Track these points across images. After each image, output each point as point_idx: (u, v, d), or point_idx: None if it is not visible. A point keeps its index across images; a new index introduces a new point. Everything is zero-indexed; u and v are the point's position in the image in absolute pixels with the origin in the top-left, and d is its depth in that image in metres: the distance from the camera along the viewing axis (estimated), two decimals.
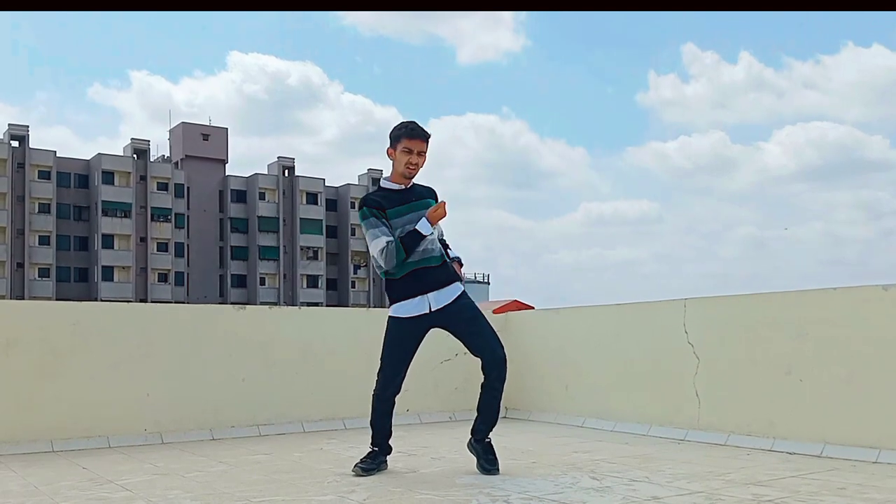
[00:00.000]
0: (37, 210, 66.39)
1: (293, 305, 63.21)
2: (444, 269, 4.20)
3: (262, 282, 75.77)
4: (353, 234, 77.29)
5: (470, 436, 4.34)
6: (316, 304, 71.66)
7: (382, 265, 4.07)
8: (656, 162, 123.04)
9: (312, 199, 77.08)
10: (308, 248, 76.77)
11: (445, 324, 4.22)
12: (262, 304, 67.48)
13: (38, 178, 66.18)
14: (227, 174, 76.39)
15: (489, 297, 76.86)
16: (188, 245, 73.16)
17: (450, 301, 4.18)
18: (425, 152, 4.14)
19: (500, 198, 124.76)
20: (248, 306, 6.14)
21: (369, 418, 4.31)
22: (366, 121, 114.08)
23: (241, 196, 76.31)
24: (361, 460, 4.19)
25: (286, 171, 77.14)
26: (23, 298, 59.35)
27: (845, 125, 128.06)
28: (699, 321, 5.43)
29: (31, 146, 65.99)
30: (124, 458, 4.78)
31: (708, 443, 5.10)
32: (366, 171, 78.25)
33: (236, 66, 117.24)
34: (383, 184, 4.22)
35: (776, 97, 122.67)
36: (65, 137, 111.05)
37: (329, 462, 4.44)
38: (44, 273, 66.51)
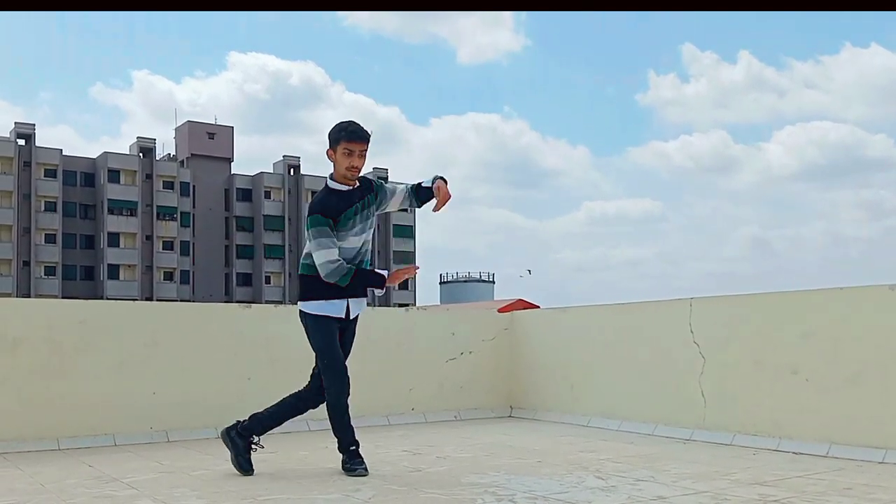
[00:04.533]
0: (43, 208, 66.52)
1: None
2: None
3: (268, 280, 75.85)
4: None
5: (239, 426, 4.26)
6: None
7: (323, 274, 4.09)
8: (658, 161, 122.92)
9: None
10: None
11: (342, 332, 4.29)
12: (267, 302, 67.60)
13: (45, 176, 66.30)
14: (232, 173, 76.49)
15: (494, 296, 76.84)
16: (194, 243, 73.23)
17: (359, 312, 4.32)
18: (366, 152, 4.17)
19: (503, 197, 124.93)
20: (253, 305, 6.15)
21: (339, 422, 4.14)
22: (367, 120, 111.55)
23: (246, 195, 76.36)
24: (354, 461, 4.11)
25: (291, 170, 77.22)
26: (29, 297, 59.55)
27: (847, 124, 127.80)
28: (705, 321, 5.42)
29: (37, 145, 66.14)
30: (130, 457, 4.78)
31: (713, 442, 5.09)
32: (371, 170, 78.35)
33: (236, 66, 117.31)
34: (331, 185, 4.21)
35: (777, 97, 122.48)
36: (68, 137, 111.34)
37: (334, 461, 4.43)
38: (50, 271, 66.65)
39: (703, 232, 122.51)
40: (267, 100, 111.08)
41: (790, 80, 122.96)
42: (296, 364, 6.09)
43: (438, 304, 70.38)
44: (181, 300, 65.10)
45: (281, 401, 4.33)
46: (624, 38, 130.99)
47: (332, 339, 4.20)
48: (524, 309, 8.59)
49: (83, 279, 68.01)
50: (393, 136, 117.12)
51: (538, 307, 12.55)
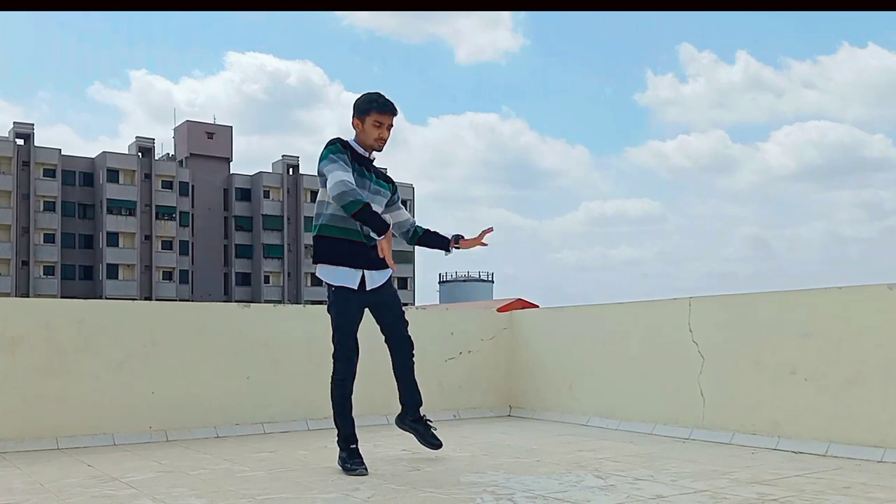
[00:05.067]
0: (42, 208, 66.52)
1: (297, 303, 63.28)
2: (375, 252, 4.14)
3: (267, 280, 75.85)
4: None
5: (404, 415, 4.48)
6: (320, 303, 71.55)
7: (334, 196, 3.96)
8: (657, 161, 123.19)
9: (316, 197, 77.08)
10: (312, 246, 76.81)
11: (375, 305, 4.25)
12: (266, 302, 67.57)
13: (44, 175, 66.31)
14: (231, 172, 76.48)
15: (493, 295, 76.86)
16: (193, 243, 73.24)
17: (383, 282, 4.23)
18: (392, 127, 4.19)
19: (502, 197, 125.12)
20: (252, 304, 6.15)
21: (339, 408, 4.15)
22: None
23: (245, 194, 76.37)
24: (354, 461, 4.10)
25: (290, 170, 77.22)
26: (28, 296, 59.52)
27: (845, 124, 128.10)
28: (704, 320, 5.42)
29: (35, 144, 66.11)
30: (129, 456, 4.78)
31: (712, 442, 5.10)
32: None
33: (234, 66, 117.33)
34: (351, 143, 4.19)
35: (775, 97, 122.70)
36: (67, 136, 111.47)
37: (333, 460, 4.43)
38: (49, 271, 66.64)
39: (702, 232, 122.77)
40: (265, 100, 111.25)
41: (788, 80, 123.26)
42: (295, 364, 6.11)
43: (437, 303, 70.36)
44: (180, 300, 65.06)
45: (400, 376, 4.41)
46: (622, 38, 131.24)
47: (347, 319, 4.14)
48: (523, 308, 8.59)
49: (82, 279, 68.01)
50: (392, 135, 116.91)
51: (537, 306, 12.54)
